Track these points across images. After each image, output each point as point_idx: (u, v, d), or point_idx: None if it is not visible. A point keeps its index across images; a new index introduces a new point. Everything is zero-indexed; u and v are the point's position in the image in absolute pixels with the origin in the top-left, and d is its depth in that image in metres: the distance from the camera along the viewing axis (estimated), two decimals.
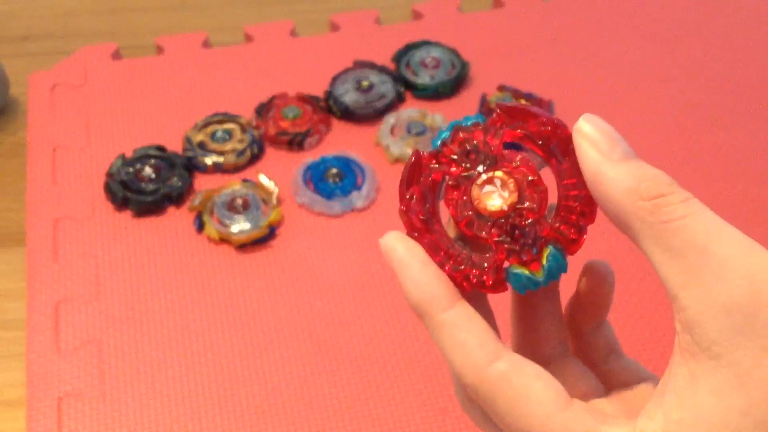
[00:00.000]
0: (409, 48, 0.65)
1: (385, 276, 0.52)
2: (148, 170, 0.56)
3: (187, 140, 0.59)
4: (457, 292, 0.25)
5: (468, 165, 0.25)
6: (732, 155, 0.59)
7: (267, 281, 0.52)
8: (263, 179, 0.56)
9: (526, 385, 0.23)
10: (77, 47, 0.66)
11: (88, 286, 0.51)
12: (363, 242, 0.54)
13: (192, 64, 0.65)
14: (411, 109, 0.61)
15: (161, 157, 0.57)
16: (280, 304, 0.51)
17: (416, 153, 0.25)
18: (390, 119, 0.60)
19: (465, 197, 0.25)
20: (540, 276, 0.24)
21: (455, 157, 0.25)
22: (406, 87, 0.63)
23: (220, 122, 0.60)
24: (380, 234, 0.52)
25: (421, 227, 0.26)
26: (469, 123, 0.25)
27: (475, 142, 0.25)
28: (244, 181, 0.56)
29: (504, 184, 0.24)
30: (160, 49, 0.67)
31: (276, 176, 0.57)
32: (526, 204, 0.24)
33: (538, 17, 0.70)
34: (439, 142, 0.25)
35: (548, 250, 0.24)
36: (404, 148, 0.58)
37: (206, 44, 0.67)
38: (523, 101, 0.60)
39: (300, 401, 0.46)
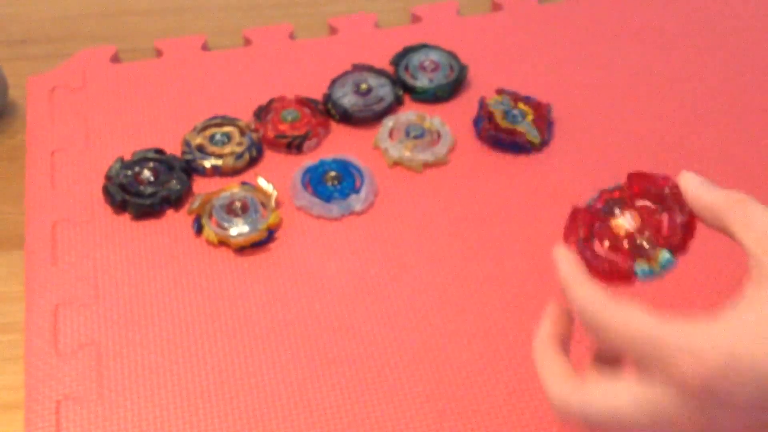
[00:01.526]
0: (408, 51, 0.66)
1: (383, 279, 0.52)
2: (146, 173, 0.56)
3: (186, 143, 0.59)
4: None
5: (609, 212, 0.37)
6: (731, 156, 0.59)
7: (265, 284, 0.52)
8: (262, 182, 0.56)
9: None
10: (76, 50, 0.66)
11: (87, 289, 0.51)
12: (361, 245, 0.54)
13: (191, 67, 0.65)
14: (410, 112, 0.61)
15: (160, 160, 0.57)
16: (279, 307, 0.51)
17: (575, 209, 0.38)
18: (389, 122, 0.60)
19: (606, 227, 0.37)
20: (656, 267, 0.35)
21: (601, 207, 0.38)
22: (404, 90, 0.63)
23: (218, 125, 0.60)
24: (379, 237, 0.55)
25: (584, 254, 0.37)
26: (611, 188, 0.38)
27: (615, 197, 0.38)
28: (243, 184, 0.56)
29: (633, 218, 0.37)
30: (159, 52, 0.67)
31: (275, 179, 0.57)
32: (646, 231, 0.36)
33: (536, 20, 0.70)
34: (590, 201, 0.38)
35: (661, 252, 0.35)
36: (403, 151, 0.58)
37: (205, 47, 0.67)
38: (521, 104, 0.60)
39: (298, 403, 0.46)
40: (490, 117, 0.60)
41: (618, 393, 0.33)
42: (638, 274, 0.35)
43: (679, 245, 0.35)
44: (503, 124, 0.59)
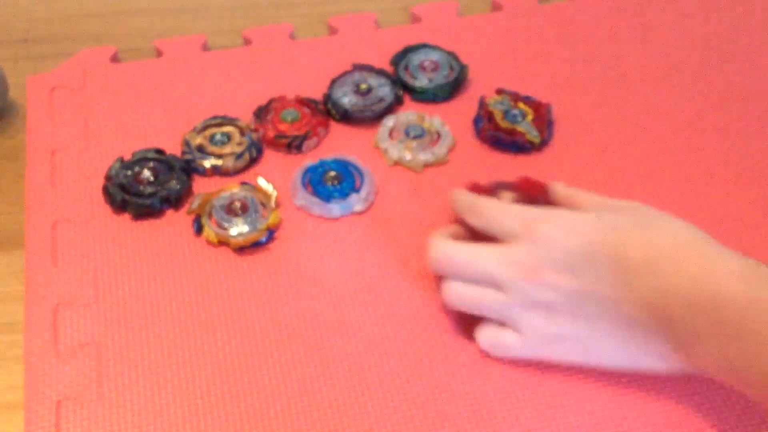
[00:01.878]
0: (408, 51, 0.66)
1: (383, 279, 0.52)
2: (146, 173, 0.56)
3: (186, 143, 0.59)
4: None
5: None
6: (731, 155, 0.59)
7: (265, 284, 0.52)
8: (262, 182, 0.56)
9: None
10: (76, 50, 0.67)
11: (87, 289, 0.51)
12: (362, 245, 0.54)
13: (191, 67, 0.65)
14: (409, 112, 0.61)
15: (160, 160, 0.57)
16: (279, 307, 0.51)
17: (473, 185, 0.52)
18: (388, 122, 0.60)
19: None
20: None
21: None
22: (404, 90, 0.63)
23: (218, 125, 0.60)
24: (379, 237, 0.55)
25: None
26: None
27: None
28: (243, 183, 0.56)
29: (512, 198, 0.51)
30: (159, 52, 0.67)
31: (274, 179, 0.57)
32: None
33: (536, 20, 0.70)
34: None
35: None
36: (403, 151, 0.58)
37: (205, 47, 0.67)
38: (521, 104, 0.60)
39: (298, 403, 0.46)
40: (490, 117, 0.60)
41: (481, 247, 0.47)
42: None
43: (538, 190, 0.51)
44: (503, 124, 0.59)
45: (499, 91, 0.62)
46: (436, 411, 0.46)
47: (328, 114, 0.61)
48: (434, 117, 0.61)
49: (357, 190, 0.56)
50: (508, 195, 0.51)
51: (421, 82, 0.63)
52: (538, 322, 0.45)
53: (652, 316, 0.43)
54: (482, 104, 0.61)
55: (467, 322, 0.50)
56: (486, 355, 0.48)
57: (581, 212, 0.46)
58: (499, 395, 0.47)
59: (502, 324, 0.47)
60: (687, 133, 0.61)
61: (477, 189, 0.51)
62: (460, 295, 0.47)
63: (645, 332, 0.43)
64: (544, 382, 0.47)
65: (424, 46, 0.66)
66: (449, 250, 0.47)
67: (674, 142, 0.60)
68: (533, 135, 0.59)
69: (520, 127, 0.59)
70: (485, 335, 0.48)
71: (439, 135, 0.60)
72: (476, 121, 0.61)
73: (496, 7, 0.71)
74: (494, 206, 0.48)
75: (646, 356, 0.44)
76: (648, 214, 0.45)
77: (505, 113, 0.60)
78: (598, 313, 0.44)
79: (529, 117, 0.60)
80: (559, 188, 0.50)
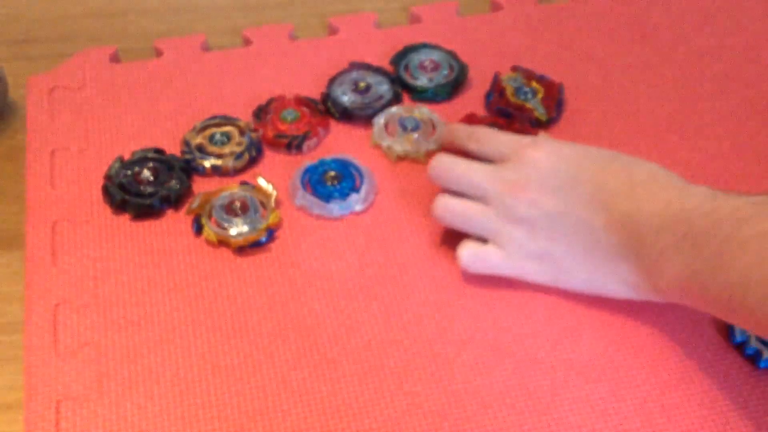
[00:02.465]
0: (408, 51, 0.66)
1: (383, 279, 0.52)
2: (146, 173, 0.56)
3: (186, 143, 0.59)
4: None
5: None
6: (732, 154, 0.59)
7: (265, 284, 0.52)
8: (261, 182, 0.56)
9: None
10: (76, 50, 0.66)
11: (87, 289, 0.51)
12: (362, 245, 0.54)
13: (190, 67, 0.65)
14: (394, 107, 0.61)
15: (159, 159, 0.57)
16: (279, 307, 0.51)
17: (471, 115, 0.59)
18: (380, 120, 0.61)
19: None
20: None
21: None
22: (404, 89, 0.63)
23: (218, 125, 0.60)
24: (379, 237, 0.55)
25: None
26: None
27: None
28: (243, 183, 0.56)
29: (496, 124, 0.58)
30: (158, 52, 0.67)
31: (274, 179, 0.57)
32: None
33: (536, 20, 0.70)
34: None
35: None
36: (405, 145, 0.59)
37: (205, 47, 0.67)
38: (534, 82, 0.62)
39: (298, 403, 0.46)
40: (502, 92, 0.62)
41: (476, 164, 0.52)
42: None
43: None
44: (513, 99, 0.61)
45: (515, 68, 0.64)
46: (437, 411, 0.46)
47: (327, 113, 0.62)
48: (421, 107, 0.61)
49: (357, 190, 0.56)
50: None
51: (421, 81, 0.63)
52: (519, 237, 0.49)
53: (624, 238, 0.46)
54: (496, 80, 0.63)
55: (467, 322, 0.50)
56: (465, 273, 0.51)
57: (569, 143, 0.51)
58: (498, 394, 0.47)
59: (484, 241, 0.50)
60: (687, 132, 0.61)
61: (473, 120, 0.58)
62: (452, 207, 0.51)
63: (615, 255, 0.47)
64: (544, 382, 0.47)
65: (424, 45, 0.66)
66: (449, 163, 0.52)
67: (673, 142, 0.60)
68: (540, 113, 0.60)
69: (529, 104, 0.61)
70: (468, 249, 0.50)
71: (433, 123, 0.60)
72: (488, 95, 0.62)
73: (496, 7, 0.71)
74: (491, 132, 0.53)
75: (613, 281, 0.48)
76: (628, 157, 0.50)
77: (517, 90, 0.62)
78: (574, 234, 0.48)
79: (540, 95, 0.61)
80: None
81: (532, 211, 0.49)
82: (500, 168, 0.51)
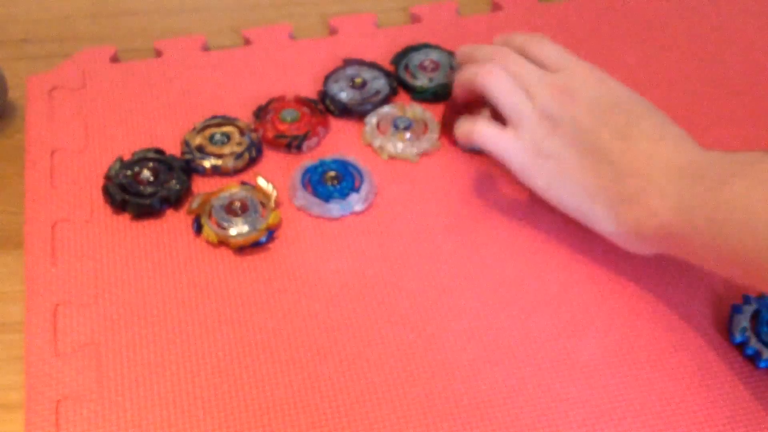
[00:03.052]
0: (408, 51, 0.66)
1: (383, 279, 0.52)
2: (146, 173, 0.56)
3: (186, 143, 0.59)
4: None
5: None
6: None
7: (265, 284, 0.52)
8: (261, 182, 0.56)
9: None
10: (76, 50, 0.67)
11: (87, 289, 0.51)
12: (361, 245, 0.54)
13: (190, 67, 0.65)
14: (389, 106, 0.61)
15: (159, 160, 0.57)
16: (278, 307, 0.51)
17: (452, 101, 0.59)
18: (372, 119, 0.61)
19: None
20: None
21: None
22: (404, 89, 0.64)
23: (218, 125, 0.60)
24: (379, 237, 0.55)
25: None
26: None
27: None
28: (243, 183, 0.56)
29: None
30: (158, 52, 0.67)
31: (274, 179, 0.57)
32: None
33: (536, 20, 0.70)
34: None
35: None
36: (397, 144, 0.59)
37: (204, 47, 0.67)
38: None
39: (298, 403, 0.46)
40: None
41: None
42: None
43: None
44: None
45: None
46: (437, 411, 0.46)
47: (326, 110, 0.62)
48: (414, 106, 0.61)
49: (356, 190, 0.56)
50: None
51: (422, 81, 0.63)
52: (540, 132, 0.52)
53: (632, 171, 0.49)
54: None
55: (467, 322, 0.50)
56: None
57: (616, 80, 0.54)
58: (499, 395, 0.47)
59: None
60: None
61: (456, 106, 0.59)
62: (502, 77, 0.53)
63: (615, 180, 0.49)
64: (544, 381, 0.47)
65: (424, 45, 0.66)
66: (506, 52, 0.55)
67: None
68: None
69: None
70: (488, 128, 0.53)
71: (425, 122, 0.60)
72: None
73: (496, 7, 0.71)
74: (547, 41, 0.56)
75: (601, 205, 0.50)
76: (664, 115, 0.52)
77: None
78: (589, 151, 0.50)
79: None
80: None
81: (564, 113, 0.51)
82: (550, 74, 0.53)
